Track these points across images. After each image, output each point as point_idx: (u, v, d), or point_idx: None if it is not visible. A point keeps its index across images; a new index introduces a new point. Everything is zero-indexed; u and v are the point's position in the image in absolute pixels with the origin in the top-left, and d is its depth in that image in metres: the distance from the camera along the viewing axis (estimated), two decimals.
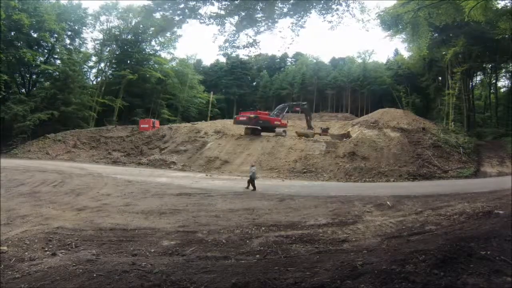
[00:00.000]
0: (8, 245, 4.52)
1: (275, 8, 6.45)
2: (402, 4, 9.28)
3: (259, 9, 6.48)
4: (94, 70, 42.35)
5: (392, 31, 10.82)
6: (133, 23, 39.40)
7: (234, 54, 51.61)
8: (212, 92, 51.68)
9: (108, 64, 40.74)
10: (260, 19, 6.63)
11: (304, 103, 31.69)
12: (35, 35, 31.58)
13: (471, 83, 37.24)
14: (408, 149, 19.36)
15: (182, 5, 6.25)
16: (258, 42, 7.05)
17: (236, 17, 6.65)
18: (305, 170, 17.11)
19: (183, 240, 5.05)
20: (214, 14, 6.49)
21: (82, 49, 39.22)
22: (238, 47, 7.32)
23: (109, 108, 38.42)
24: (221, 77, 62.39)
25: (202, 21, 6.48)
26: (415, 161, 17.76)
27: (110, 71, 41.30)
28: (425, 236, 4.91)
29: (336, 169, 16.93)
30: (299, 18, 6.69)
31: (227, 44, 7.17)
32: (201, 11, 6.42)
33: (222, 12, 6.48)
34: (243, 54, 62.75)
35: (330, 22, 6.94)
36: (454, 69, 32.03)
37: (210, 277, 3.25)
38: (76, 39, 37.80)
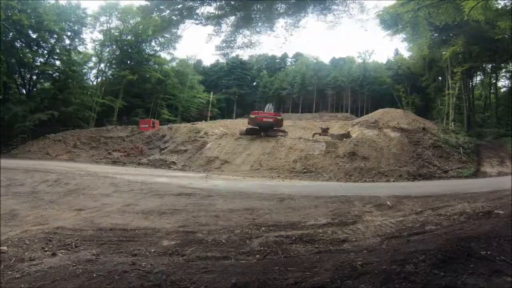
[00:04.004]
0: (8, 245, 4.51)
1: (273, 8, 6.45)
2: (401, 4, 9.28)
3: (256, 9, 6.48)
4: (94, 71, 42.42)
5: (392, 30, 10.81)
6: (132, 24, 39.39)
7: (234, 54, 51.66)
8: (212, 92, 51.69)
9: (108, 64, 40.75)
10: (258, 20, 6.63)
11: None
12: (34, 36, 31.54)
13: (471, 83, 37.21)
14: (408, 149, 19.36)
15: (179, 5, 6.26)
16: (254, 42, 7.07)
17: (233, 18, 6.65)
18: (305, 170, 17.12)
19: (183, 240, 5.04)
20: (212, 15, 6.49)
21: (82, 50, 39.22)
22: (237, 48, 7.33)
23: (109, 108, 38.42)
24: (221, 77, 62.41)
25: (199, 21, 6.49)
26: (415, 161, 17.74)
27: (110, 72, 41.33)
28: (425, 236, 4.90)
29: (336, 169, 16.92)
30: (297, 19, 6.70)
31: (224, 44, 7.19)
32: (198, 11, 6.43)
33: (219, 13, 6.49)
34: (242, 54, 62.80)
35: (327, 22, 6.96)
36: (454, 69, 32.03)
37: (210, 277, 3.25)
38: (76, 40, 37.80)
